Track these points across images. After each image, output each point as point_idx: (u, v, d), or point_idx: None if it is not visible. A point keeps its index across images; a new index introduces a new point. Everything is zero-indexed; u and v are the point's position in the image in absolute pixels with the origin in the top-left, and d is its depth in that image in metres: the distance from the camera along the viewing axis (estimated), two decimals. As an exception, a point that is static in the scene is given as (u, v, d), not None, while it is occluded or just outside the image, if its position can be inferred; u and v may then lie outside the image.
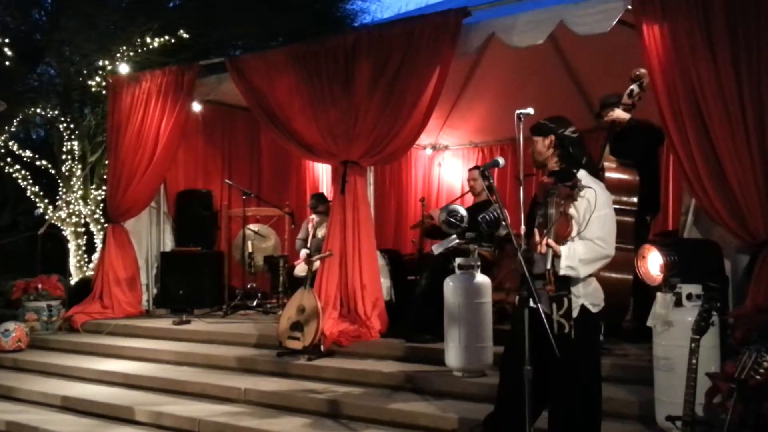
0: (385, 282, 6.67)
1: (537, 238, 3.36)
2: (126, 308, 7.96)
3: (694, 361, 3.23)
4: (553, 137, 3.61)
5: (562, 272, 3.34)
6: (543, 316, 3.23)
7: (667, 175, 8.27)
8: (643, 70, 5.24)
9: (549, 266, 3.31)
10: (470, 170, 6.81)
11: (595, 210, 3.40)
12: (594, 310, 3.48)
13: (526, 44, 5.78)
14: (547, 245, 3.33)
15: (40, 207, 11.15)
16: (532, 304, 3.22)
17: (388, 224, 10.31)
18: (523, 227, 3.82)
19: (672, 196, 8.18)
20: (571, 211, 3.39)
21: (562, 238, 3.38)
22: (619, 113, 5.38)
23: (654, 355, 4.09)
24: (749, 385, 2.89)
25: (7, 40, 9.92)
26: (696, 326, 3.27)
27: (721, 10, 4.80)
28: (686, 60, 4.91)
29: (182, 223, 8.63)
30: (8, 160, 11.00)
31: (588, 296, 3.47)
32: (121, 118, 8.21)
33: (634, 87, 5.30)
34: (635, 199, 5.19)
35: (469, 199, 6.97)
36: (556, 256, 3.34)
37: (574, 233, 3.40)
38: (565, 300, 3.36)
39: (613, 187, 5.14)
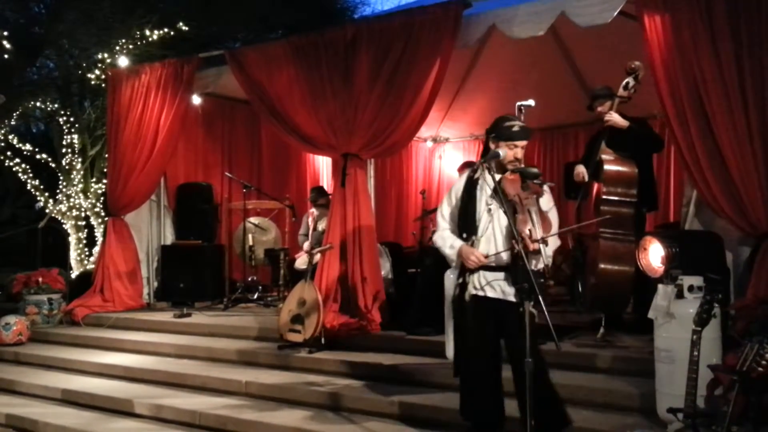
0: (386, 275, 6.66)
1: (534, 235, 3.36)
2: (127, 301, 7.96)
3: (695, 353, 3.22)
4: None
5: (543, 265, 3.42)
6: (524, 307, 3.29)
7: (669, 166, 8.26)
8: (638, 63, 5.22)
9: (548, 262, 3.36)
10: (459, 169, 6.79)
11: (553, 205, 3.58)
12: None
13: (527, 36, 5.75)
14: (541, 241, 3.38)
15: (40, 200, 11.16)
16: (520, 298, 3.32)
17: (389, 217, 10.29)
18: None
19: (673, 187, 8.17)
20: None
21: (546, 234, 3.44)
22: (616, 119, 5.33)
23: (655, 347, 4.08)
24: (751, 377, 2.87)
25: (6, 34, 9.90)
26: (697, 318, 3.26)
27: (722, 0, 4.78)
28: (688, 51, 4.88)
29: (182, 216, 8.62)
30: (8, 153, 11.01)
31: None
32: (121, 112, 8.19)
33: (629, 80, 5.28)
34: (634, 191, 5.18)
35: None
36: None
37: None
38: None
39: (612, 179, 5.16)
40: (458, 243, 3.65)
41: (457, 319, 3.75)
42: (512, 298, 3.52)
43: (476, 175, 3.65)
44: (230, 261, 8.57)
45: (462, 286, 3.66)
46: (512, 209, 3.45)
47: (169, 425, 5.14)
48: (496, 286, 3.56)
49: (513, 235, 3.42)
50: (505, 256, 3.55)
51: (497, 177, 3.58)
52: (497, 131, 3.64)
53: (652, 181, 5.74)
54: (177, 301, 7.98)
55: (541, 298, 3.28)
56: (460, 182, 3.80)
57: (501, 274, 3.56)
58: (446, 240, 3.75)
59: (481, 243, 3.58)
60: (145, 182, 8.08)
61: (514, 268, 3.50)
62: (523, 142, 3.61)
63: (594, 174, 5.39)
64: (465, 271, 3.63)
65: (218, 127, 9.21)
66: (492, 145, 3.63)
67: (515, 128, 3.57)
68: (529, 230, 3.40)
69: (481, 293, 3.58)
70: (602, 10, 5.31)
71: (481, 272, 3.60)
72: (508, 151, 3.58)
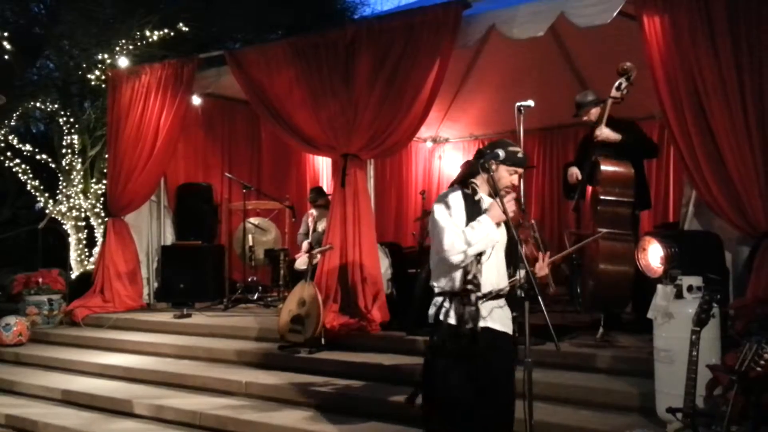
0: (386, 275, 6.66)
1: (546, 260, 3.33)
2: (127, 302, 7.96)
3: (694, 353, 3.22)
4: None
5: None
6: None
7: (668, 167, 8.28)
8: (629, 64, 5.22)
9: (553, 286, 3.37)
10: (461, 167, 6.78)
11: None
12: None
13: (527, 36, 5.75)
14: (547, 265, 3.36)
15: (40, 201, 11.16)
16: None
17: (389, 217, 10.31)
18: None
19: (673, 187, 8.18)
20: None
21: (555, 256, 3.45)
22: (607, 135, 5.32)
23: (654, 347, 4.09)
24: (750, 377, 2.88)
25: (6, 34, 9.90)
26: (697, 318, 3.26)
27: (722, 0, 4.78)
28: (687, 51, 4.89)
29: (182, 216, 8.63)
30: (8, 154, 11.00)
31: None
32: (121, 112, 8.19)
33: (622, 80, 5.27)
34: (631, 191, 5.20)
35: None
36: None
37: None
38: None
39: (608, 179, 5.17)
40: (482, 217, 3.20)
41: (460, 353, 3.23)
42: (509, 331, 3.37)
43: (477, 197, 3.37)
44: (230, 261, 8.59)
45: (474, 315, 3.18)
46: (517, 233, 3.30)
47: (170, 425, 5.15)
48: (495, 317, 3.29)
49: (513, 256, 3.32)
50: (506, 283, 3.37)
51: (487, 197, 3.40)
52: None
53: (644, 181, 5.75)
54: (177, 301, 7.98)
55: (540, 299, 3.27)
56: (455, 199, 3.38)
57: (501, 302, 3.32)
58: (468, 227, 3.21)
59: (483, 267, 3.24)
60: (145, 183, 8.09)
61: (512, 293, 3.32)
62: (521, 170, 3.48)
63: (590, 174, 5.40)
64: (468, 297, 3.20)
65: (218, 128, 9.22)
66: (493, 167, 3.31)
67: (520, 154, 3.41)
68: (544, 253, 3.35)
69: (481, 323, 3.21)
70: (602, 11, 5.32)
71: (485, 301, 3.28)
72: (506, 176, 3.38)
